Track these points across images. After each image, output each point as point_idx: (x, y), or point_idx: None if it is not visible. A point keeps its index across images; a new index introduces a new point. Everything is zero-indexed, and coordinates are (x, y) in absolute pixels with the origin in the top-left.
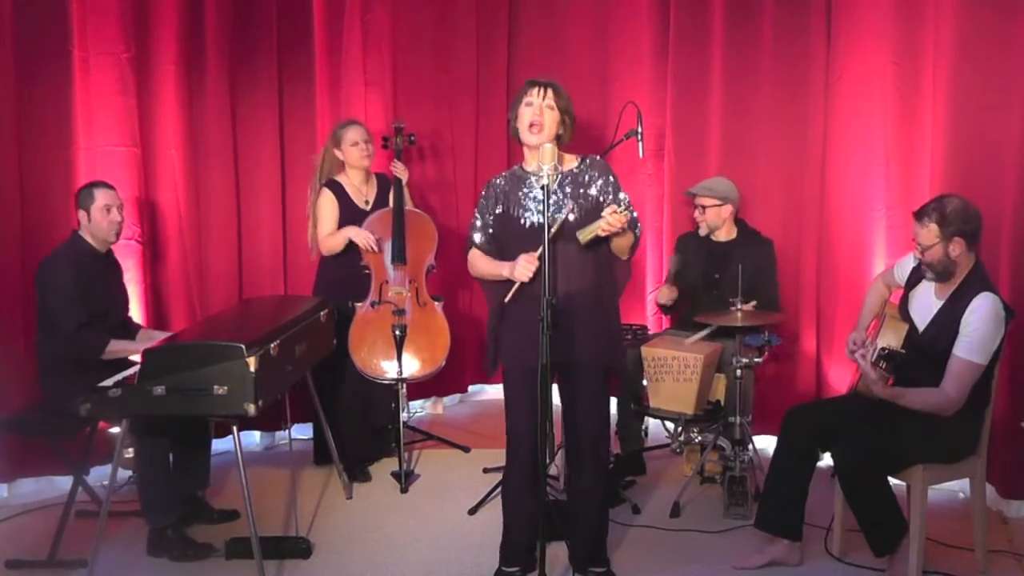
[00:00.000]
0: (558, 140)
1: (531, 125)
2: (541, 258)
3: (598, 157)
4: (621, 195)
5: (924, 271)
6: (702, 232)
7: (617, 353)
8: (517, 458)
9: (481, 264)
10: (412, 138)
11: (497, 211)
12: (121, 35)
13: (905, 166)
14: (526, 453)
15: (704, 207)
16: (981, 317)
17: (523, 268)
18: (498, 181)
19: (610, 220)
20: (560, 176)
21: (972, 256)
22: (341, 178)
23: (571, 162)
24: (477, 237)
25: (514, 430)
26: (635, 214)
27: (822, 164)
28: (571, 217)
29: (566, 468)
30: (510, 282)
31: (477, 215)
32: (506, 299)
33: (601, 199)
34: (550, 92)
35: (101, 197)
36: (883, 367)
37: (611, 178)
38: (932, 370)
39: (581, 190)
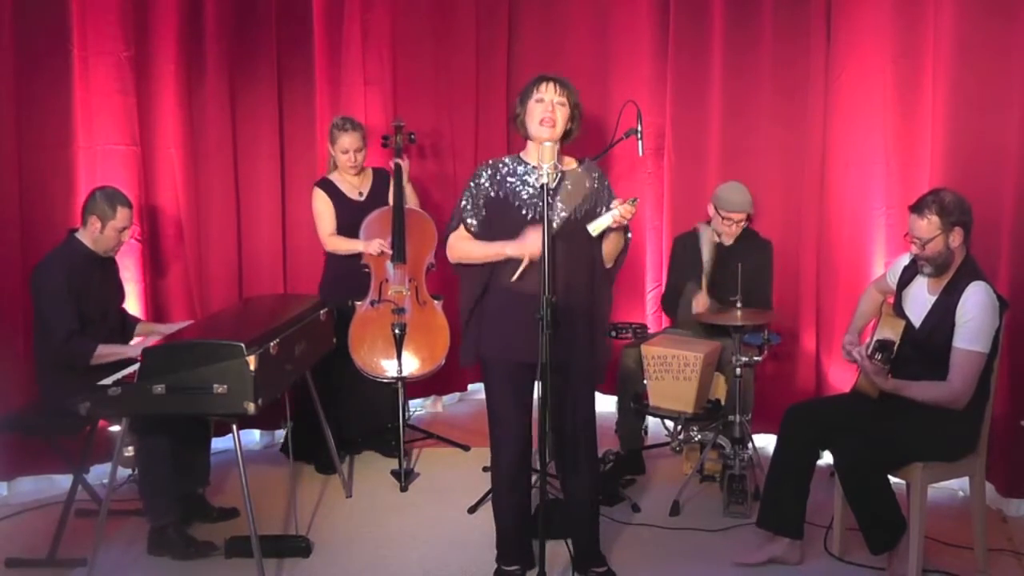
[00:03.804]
0: (567, 135)
1: (543, 120)
2: (543, 255)
3: (594, 161)
4: (631, 198)
5: (921, 266)
6: (727, 242)
7: (600, 354)
8: (503, 455)
9: (472, 247)
10: (412, 136)
11: (491, 195)
12: (121, 34)
13: (905, 165)
14: (513, 450)
15: (737, 221)
16: (976, 305)
17: (535, 243)
18: (491, 165)
19: (622, 211)
20: (560, 175)
21: (964, 248)
22: (335, 176)
23: (571, 163)
24: (470, 220)
25: (499, 427)
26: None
27: (822, 163)
28: (570, 216)
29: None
30: (487, 267)
31: (467, 198)
32: (513, 278)
33: (597, 200)
34: (560, 87)
35: (121, 218)
36: (878, 359)
37: (606, 182)
38: (932, 364)
39: (584, 189)
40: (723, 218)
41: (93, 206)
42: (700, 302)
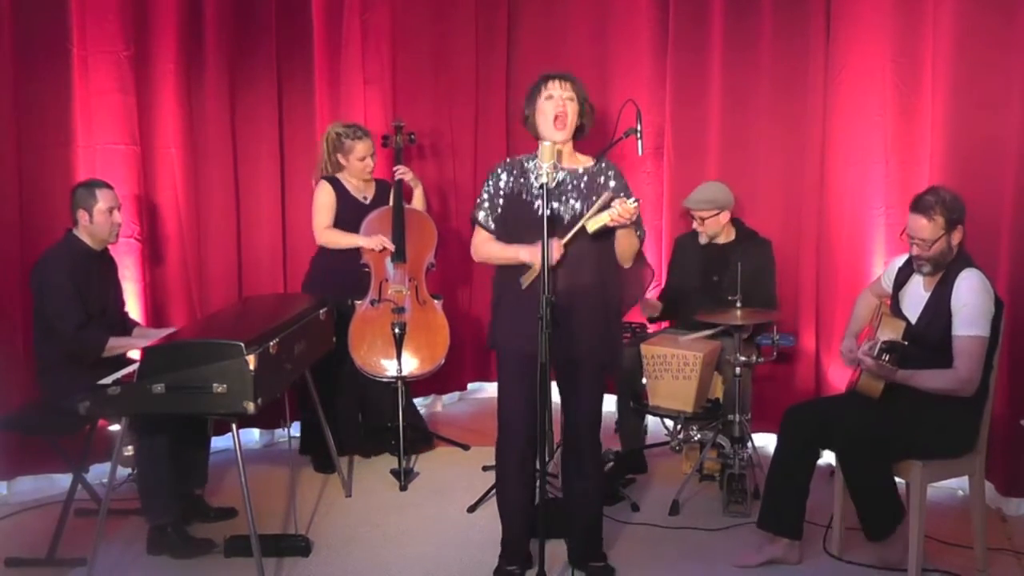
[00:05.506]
0: (579, 131)
1: (556, 119)
2: (543, 255)
3: (610, 161)
4: (631, 198)
5: (920, 265)
6: (703, 241)
7: (614, 350)
8: (509, 449)
9: (491, 249)
10: (412, 136)
11: (509, 191)
12: (120, 33)
13: (904, 164)
14: (518, 444)
15: (703, 219)
16: (969, 291)
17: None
18: (509, 162)
19: (619, 210)
20: (572, 174)
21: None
22: (342, 176)
23: (587, 161)
24: (482, 216)
25: (506, 420)
26: (639, 216)
27: (821, 162)
28: (581, 212)
29: (563, 465)
30: (523, 266)
31: (484, 194)
32: (524, 285)
33: (611, 197)
34: (568, 84)
35: (104, 199)
36: (886, 360)
37: (623, 181)
38: (933, 357)
39: (597, 187)
40: (691, 215)
41: (76, 201)
42: (651, 306)
